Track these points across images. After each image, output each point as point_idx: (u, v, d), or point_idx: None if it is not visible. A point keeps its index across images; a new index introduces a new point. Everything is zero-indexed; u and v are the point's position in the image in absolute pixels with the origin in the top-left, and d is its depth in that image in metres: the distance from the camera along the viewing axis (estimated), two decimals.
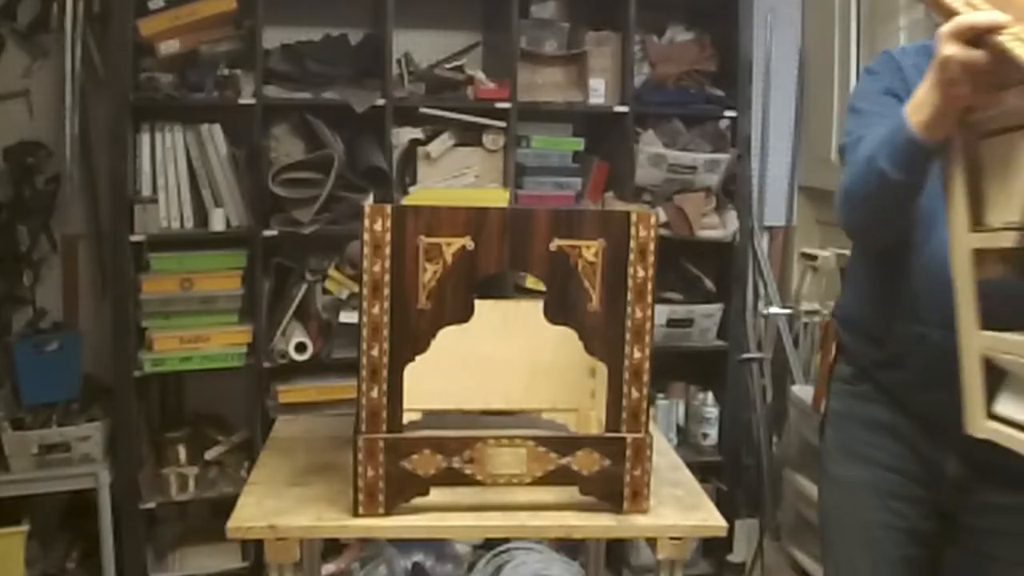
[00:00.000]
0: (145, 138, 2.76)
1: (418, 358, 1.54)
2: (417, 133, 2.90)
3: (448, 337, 1.55)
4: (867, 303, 1.63)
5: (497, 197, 2.88)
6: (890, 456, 1.59)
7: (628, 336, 1.56)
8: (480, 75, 2.93)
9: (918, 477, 1.57)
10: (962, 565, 1.59)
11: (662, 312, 2.99)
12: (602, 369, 1.60)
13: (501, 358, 1.87)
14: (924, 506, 1.58)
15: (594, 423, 1.81)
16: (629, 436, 1.58)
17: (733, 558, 3.14)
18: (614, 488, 1.59)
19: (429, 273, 1.52)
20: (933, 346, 1.44)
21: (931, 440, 1.55)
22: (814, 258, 3.19)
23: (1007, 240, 1.16)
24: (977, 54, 1.15)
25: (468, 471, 1.56)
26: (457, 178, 2.92)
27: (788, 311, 3.23)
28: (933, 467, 1.56)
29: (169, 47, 2.72)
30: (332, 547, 2.85)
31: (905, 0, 2.73)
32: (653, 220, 1.55)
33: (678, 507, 1.65)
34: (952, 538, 1.59)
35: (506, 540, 2.88)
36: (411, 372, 1.54)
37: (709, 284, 3.12)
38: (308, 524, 1.56)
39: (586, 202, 3.04)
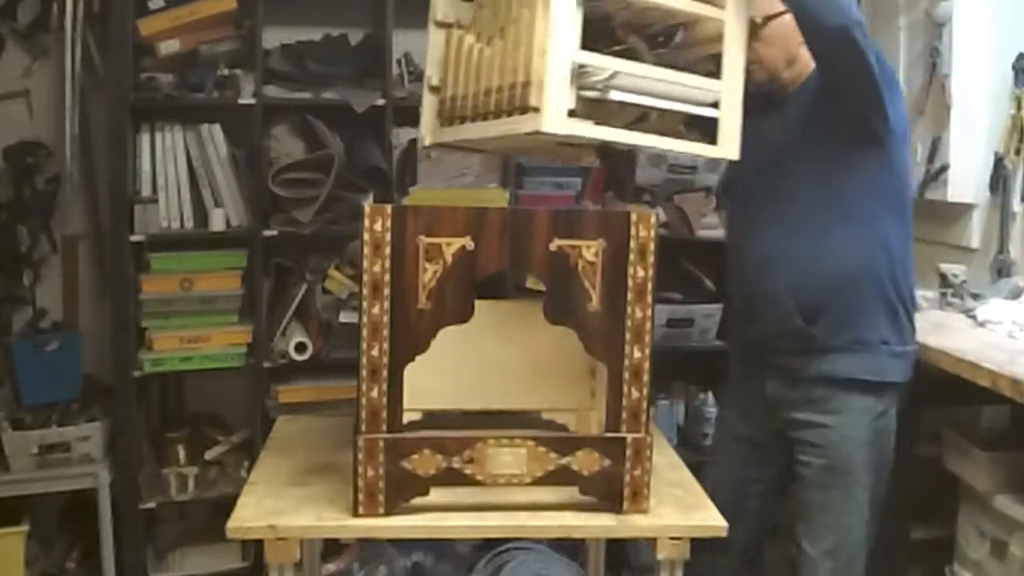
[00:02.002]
0: (145, 138, 2.76)
1: (418, 358, 1.54)
2: (417, 133, 2.90)
3: (448, 337, 1.55)
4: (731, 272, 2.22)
5: (497, 197, 2.88)
6: (738, 398, 2.17)
7: (628, 336, 1.56)
8: None
9: (754, 408, 2.08)
10: (789, 473, 2.04)
11: (662, 312, 2.98)
12: (602, 369, 1.60)
13: (501, 358, 1.87)
14: (762, 433, 2.09)
15: (594, 423, 1.81)
16: (629, 436, 1.58)
17: None
18: (614, 488, 1.59)
19: (429, 273, 1.52)
20: (753, 293, 1.99)
21: (756, 369, 2.05)
22: None
23: None
24: None
25: (468, 471, 1.56)
26: (457, 178, 2.91)
27: None
28: (759, 394, 2.05)
29: (169, 47, 2.72)
30: (332, 547, 2.85)
31: (905, 0, 2.73)
32: (653, 220, 1.55)
33: (678, 507, 1.65)
34: (781, 453, 2.05)
35: (506, 540, 2.88)
36: (411, 372, 1.54)
37: (709, 284, 3.11)
38: (308, 524, 1.56)
39: (586, 202, 3.03)
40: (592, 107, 1.52)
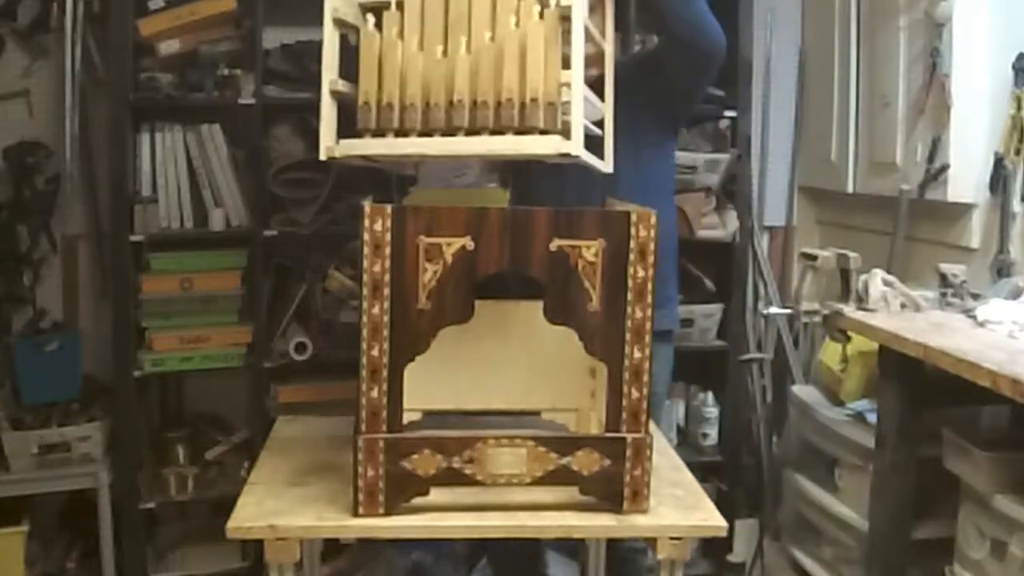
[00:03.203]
0: (145, 138, 2.76)
1: (418, 358, 1.54)
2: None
3: (448, 337, 1.55)
4: None
5: (497, 197, 2.88)
6: None
7: (628, 336, 1.56)
8: None
9: None
10: None
11: None
12: (602, 369, 1.60)
13: (501, 358, 1.87)
14: None
15: (594, 423, 1.81)
16: (629, 436, 1.58)
17: (733, 558, 3.13)
18: (614, 488, 1.59)
19: (429, 273, 1.52)
20: None
21: None
22: (814, 258, 3.17)
23: None
24: None
25: (468, 471, 1.56)
26: (457, 178, 2.91)
27: (788, 311, 3.22)
28: None
29: (169, 47, 2.72)
30: (332, 547, 2.85)
31: (905, 0, 2.73)
32: (653, 220, 1.55)
33: (678, 507, 1.65)
34: None
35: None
36: (411, 372, 1.54)
37: (709, 284, 3.11)
38: (308, 524, 1.56)
39: None
40: None
